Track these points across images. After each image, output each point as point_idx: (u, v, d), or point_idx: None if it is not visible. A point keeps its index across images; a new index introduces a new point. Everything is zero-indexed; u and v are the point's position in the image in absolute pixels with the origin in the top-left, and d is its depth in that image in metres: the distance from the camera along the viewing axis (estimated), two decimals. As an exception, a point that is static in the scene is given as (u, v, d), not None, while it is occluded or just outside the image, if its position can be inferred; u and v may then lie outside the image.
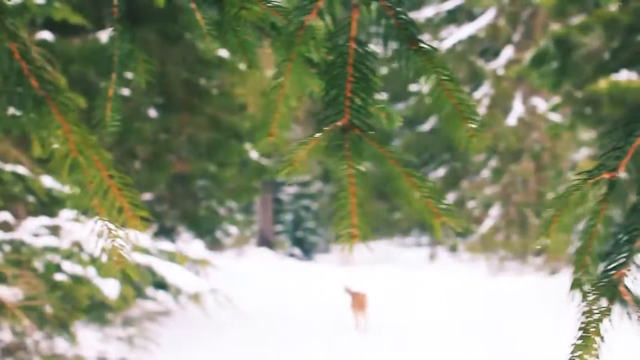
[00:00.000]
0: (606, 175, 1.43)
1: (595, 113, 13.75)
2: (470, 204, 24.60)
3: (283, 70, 1.43)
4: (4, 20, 1.59)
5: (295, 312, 13.24)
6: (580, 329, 1.37)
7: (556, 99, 16.36)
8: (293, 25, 1.41)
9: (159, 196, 13.93)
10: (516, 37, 23.41)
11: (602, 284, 1.38)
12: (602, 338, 1.36)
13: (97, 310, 8.20)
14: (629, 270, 1.39)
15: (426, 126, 28.52)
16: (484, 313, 13.27)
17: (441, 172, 27.41)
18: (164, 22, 10.63)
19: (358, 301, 11.54)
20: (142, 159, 12.21)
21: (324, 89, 1.41)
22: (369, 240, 1.32)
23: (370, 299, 11.74)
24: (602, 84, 12.18)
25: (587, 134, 16.85)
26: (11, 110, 1.73)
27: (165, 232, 14.11)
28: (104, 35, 9.21)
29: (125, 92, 9.89)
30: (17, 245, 6.76)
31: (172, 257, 9.09)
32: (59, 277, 6.75)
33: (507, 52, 23.45)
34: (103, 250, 1.53)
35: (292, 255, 29.75)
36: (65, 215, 7.36)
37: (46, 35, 8.38)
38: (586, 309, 1.37)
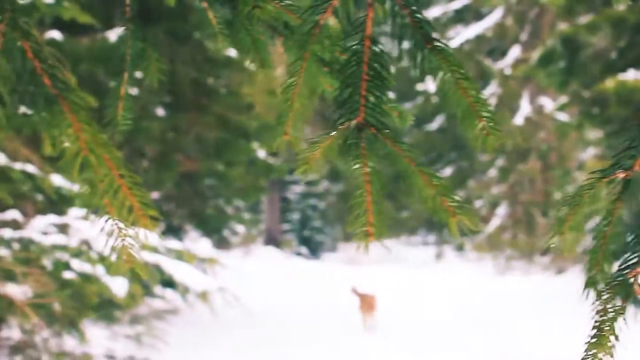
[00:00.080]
0: (621, 175, 1.43)
1: (602, 112, 13.72)
2: (477, 203, 24.57)
3: (297, 69, 1.43)
4: (17, 18, 1.60)
5: (303, 311, 13.24)
6: (594, 327, 1.37)
7: (563, 99, 16.33)
8: (308, 24, 1.41)
9: (167, 195, 13.94)
10: (523, 36, 23.38)
11: (616, 282, 1.38)
12: (616, 337, 1.36)
13: (105, 308, 8.21)
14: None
15: (433, 125, 28.51)
16: (490, 312, 13.25)
17: (448, 171, 27.38)
18: (173, 22, 10.63)
19: (367, 303, 11.52)
20: (150, 158, 12.23)
21: (339, 87, 1.41)
22: (384, 239, 1.33)
23: (378, 299, 11.72)
24: (610, 83, 12.16)
25: (594, 134, 16.81)
26: (22, 109, 1.74)
27: (173, 230, 14.12)
28: (112, 35, 9.22)
29: (134, 91, 9.90)
30: (26, 243, 6.78)
31: (179, 255, 9.09)
32: (67, 275, 6.76)
33: (515, 52, 23.42)
34: (113, 249, 1.54)
35: (299, 254, 29.75)
36: (74, 214, 7.37)
37: (55, 34, 8.39)
38: (600, 307, 1.37)
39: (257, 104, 15.05)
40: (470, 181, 25.96)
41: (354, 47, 1.40)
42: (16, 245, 6.79)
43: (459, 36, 24.21)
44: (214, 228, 16.26)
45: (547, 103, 21.92)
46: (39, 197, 7.16)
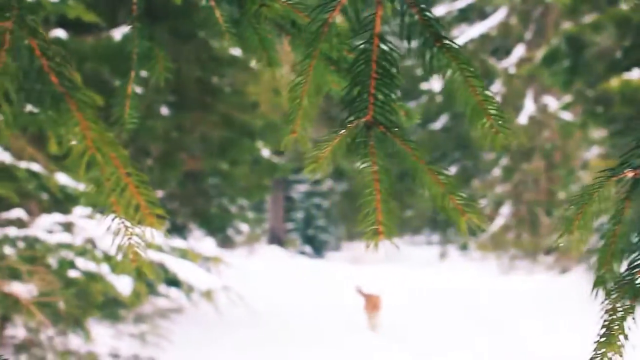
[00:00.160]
0: (629, 174, 1.43)
1: (606, 112, 13.72)
2: (481, 203, 24.55)
3: (305, 68, 1.43)
4: (24, 16, 1.59)
5: (307, 310, 13.24)
6: (603, 326, 1.36)
7: (567, 98, 16.33)
8: (316, 22, 1.41)
9: (171, 194, 13.95)
10: (528, 35, 23.36)
11: (625, 282, 1.38)
12: (626, 336, 1.36)
13: (110, 307, 8.22)
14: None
15: (437, 124, 28.51)
16: (494, 312, 13.25)
17: (452, 170, 27.29)
18: (177, 20, 10.64)
19: (372, 303, 11.50)
20: (154, 156, 12.23)
21: (347, 86, 1.41)
22: (394, 237, 1.32)
23: (383, 299, 11.71)
24: (614, 82, 12.15)
25: (598, 133, 16.79)
26: (28, 108, 1.74)
27: (177, 229, 14.12)
28: (117, 34, 9.22)
29: (138, 90, 9.87)
30: (31, 242, 6.79)
31: (184, 254, 9.10)
32: (72, 273, 6.77)
33: (519, 51, 23.41)
34: (119, 248, 1.53)
35: (302, 253, 29.75)
36: (79, 212, 7.38)
37: (60, 33, 8.39)
38: (610, 306, 1.37)
39: (261, 103, 15.05)
40: (474, 180, 25.94)
41: (362, 45, 1.39)
42: (21, 244, 6.80)
43: (463, 35, 24.19)
44: (218, 227, 16.25)
45: (552, 102, 21.90)
46: (44, 195, 7.17)
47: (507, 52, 24.35)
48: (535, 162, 22.62)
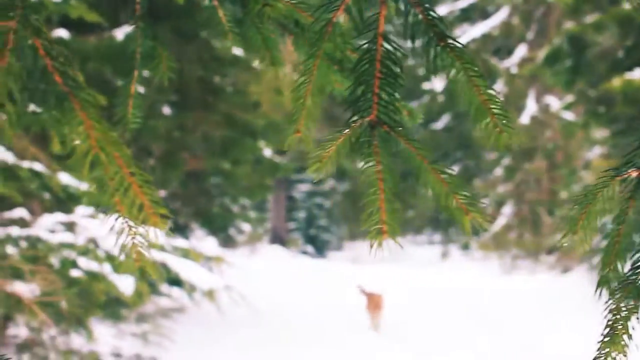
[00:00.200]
0: (634, 173, 1.43)
1: (608, 111, 13.71)
2: (483, 202, 24.49)
3: (309, 68, 1.43)
4: (28, 15, 1.59)
5: (309, 310, 13.24)
6: (607, 326, 1.36)
7: (569, 98, 16.32)
8: (320, 22, 1.41)
9: (173, 193, 13.95)
10: (530, 35, 23.35)
11: (629, 281, 1.38)
12: (630, 336, 1.36)
13: (112, 307, 8.23)
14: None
15: (439, 124, 28.50)
16: (496, 311, 13.24)
17: (454, 170, 27.34)
18: (179, 20, 10.64)
19: (374, 302, 11.50)
20: (156, 156, 12.23)
21: (351, 85, 1.40)
22: (397, 237, 1.33)
23: (385, 298, 11.71)
24: (616, 82, 12.14)
25: (600, 133, 16.79)
26: (31, 107, 1.74)
27: (179, 229, 14.12)
28: (120, 33, 9.22)
29: (140, 89, 9.87)
30: (33, 242, 6.79)
31: (186, 253, 9.10)
32: (75, 273, 6.77)
33: (521, 51, 23.40)
34: (123, 247, 1.53)
35: (304, 252, 29.74)
36: (81, 212, 7.38)
37: (62, 33, 8.39)
38: (614, 306, 1.36)
39: (263, 102, 15.05)
40: (476, 180, 25.94)
41: (366, 44, 1.39)
42: (24, 244, 6.80)
43: (465, 35, 24.18)
44: (220, 226, 16.25)
45: (553, 102, 21.89)
46: (47, 195, 7.17)
47: (509, 52, 24.35)
48: (537, 162, 22.61)
